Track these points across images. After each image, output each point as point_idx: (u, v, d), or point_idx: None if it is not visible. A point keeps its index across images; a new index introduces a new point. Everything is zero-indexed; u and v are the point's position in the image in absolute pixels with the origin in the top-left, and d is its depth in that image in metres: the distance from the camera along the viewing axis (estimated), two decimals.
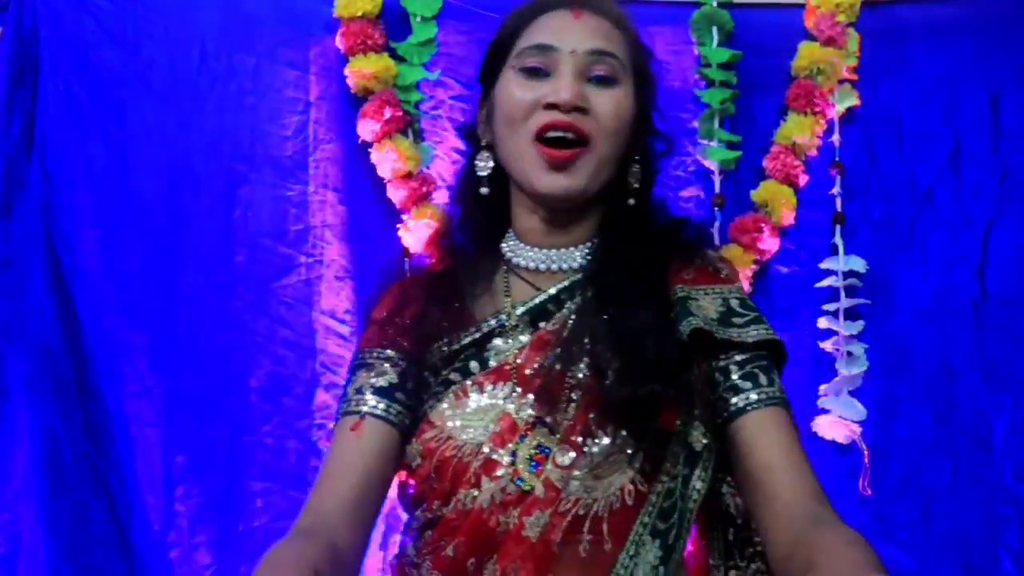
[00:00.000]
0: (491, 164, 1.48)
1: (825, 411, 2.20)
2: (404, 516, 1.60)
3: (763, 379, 1.42)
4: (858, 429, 2.19)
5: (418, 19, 2.21)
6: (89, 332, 2.13)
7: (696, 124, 2.26)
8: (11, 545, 2.09)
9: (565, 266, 1.47)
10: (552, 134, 1.40)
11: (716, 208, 2.24)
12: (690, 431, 1.38)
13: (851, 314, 2.21)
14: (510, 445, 1.37)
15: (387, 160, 2.16)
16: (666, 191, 2.25)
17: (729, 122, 2.26)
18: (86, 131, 2.17)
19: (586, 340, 1.39)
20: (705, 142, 2.25)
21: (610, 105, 1.41)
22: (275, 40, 2.22)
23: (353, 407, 1.45)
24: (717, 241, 2.23)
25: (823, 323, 2.21)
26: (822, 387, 2.21)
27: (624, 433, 1.35)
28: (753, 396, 1.40)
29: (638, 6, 2.30)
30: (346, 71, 2.19)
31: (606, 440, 1.36)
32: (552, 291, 1.46)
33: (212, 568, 2.13)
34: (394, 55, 2.21)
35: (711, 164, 2.25)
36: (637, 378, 1.33)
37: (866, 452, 2.19)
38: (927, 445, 2.20)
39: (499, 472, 1.36)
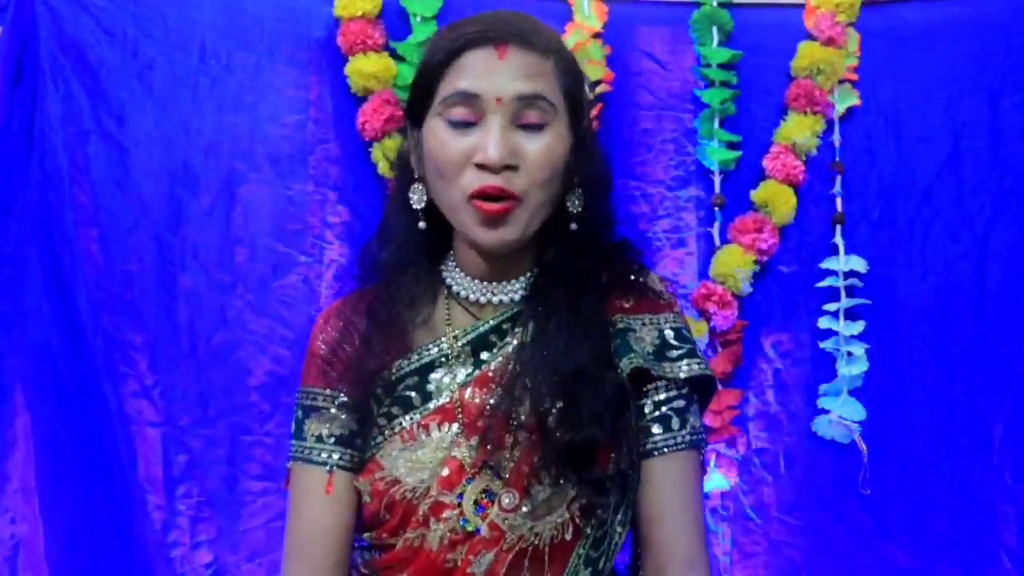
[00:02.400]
0: (425, 198, 1.47)
1: (825, 411, 2.21)
2: None
3: (675, 422, 1.44)
4: (858, 429, 2.19)
5: (418, 19, 2.21)
6: (89, 332, 2.14)
7: (696, 124, 2.26)
8: (11, 545, 2.10)
9: (506, 299, 1.49)
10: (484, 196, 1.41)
11: (716, 208, 2.24)
12: (620, 463, 1.44)
13: (851, 314, 2.21)
14: (457, 488, 1.43)
15: (387, 159, 2.16)
16: (666, 191, 2.28)
17: (729, 122, 2.26)
18: (86, 131, 2.17)
19: (527, 380, 1.42)
20: (705, 142, 2.25)
21: (541, 154, 1.40)
22: (275, 39, 2.22)
23: (318, 457, 1.48)
24: (717, 242, 2.24)
25: (823, 323, 2.22)
26: (822, 387, 2.22)
27: (564, 478, 1.41)
28: (659, 441, 1.44)
29: (638, 6, 2.32)
30: (346, 71, 2.19)
31: (548, 483, 1.41)
32: (493, 322, 1.48)
33: (212, 568, 2.13)
34: (394, 55, 2.21)
35: (711, 164, 2.25)
36: (576, 424, 1.38)
37: (866, 452, 2.20)
38: (927, 445, 2.21)
39: (446, 514, 1.42)
